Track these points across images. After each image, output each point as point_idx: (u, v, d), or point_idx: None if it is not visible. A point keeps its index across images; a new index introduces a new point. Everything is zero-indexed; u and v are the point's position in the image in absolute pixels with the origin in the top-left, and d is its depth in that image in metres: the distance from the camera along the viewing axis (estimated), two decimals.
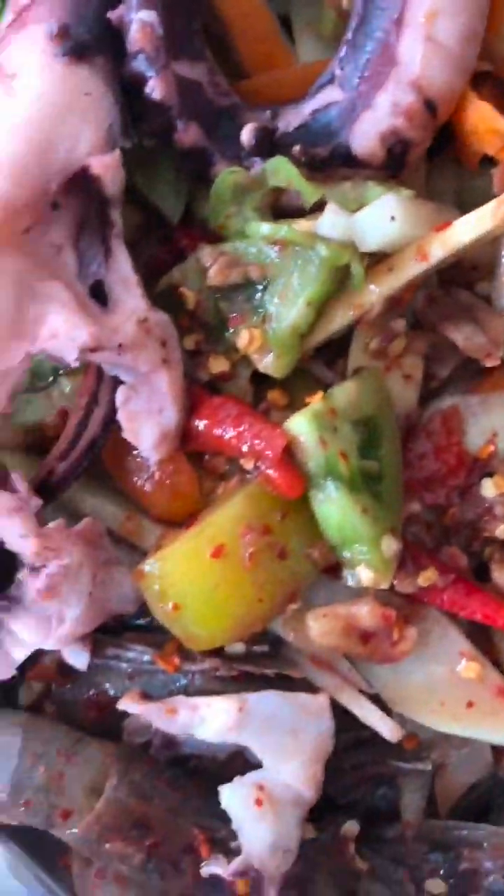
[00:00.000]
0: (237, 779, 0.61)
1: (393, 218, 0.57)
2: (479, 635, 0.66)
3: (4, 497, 0.58)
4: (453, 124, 0.63)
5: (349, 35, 0.59)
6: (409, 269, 0.59)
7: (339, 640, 0.62)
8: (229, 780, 0.62)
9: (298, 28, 0.68)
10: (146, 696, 0.63)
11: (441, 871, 0.66)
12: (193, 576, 0.59)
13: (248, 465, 0.61)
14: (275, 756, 0.59)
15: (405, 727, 0.66)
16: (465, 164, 0.66)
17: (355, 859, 0.66)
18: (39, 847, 0.71)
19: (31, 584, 0.60)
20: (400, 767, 0.66)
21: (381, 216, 0.58)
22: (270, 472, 0.58)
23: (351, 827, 0.67)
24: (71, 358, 0.58)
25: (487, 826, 0.67)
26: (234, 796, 0.60)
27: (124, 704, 0.62)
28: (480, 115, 0.59)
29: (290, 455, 0.58)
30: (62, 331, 0.57)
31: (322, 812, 0.67)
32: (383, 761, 0.66)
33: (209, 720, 0.59)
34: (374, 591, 0.62)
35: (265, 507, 0.59)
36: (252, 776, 0.61)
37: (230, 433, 0.60)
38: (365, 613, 0.61)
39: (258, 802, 0.60)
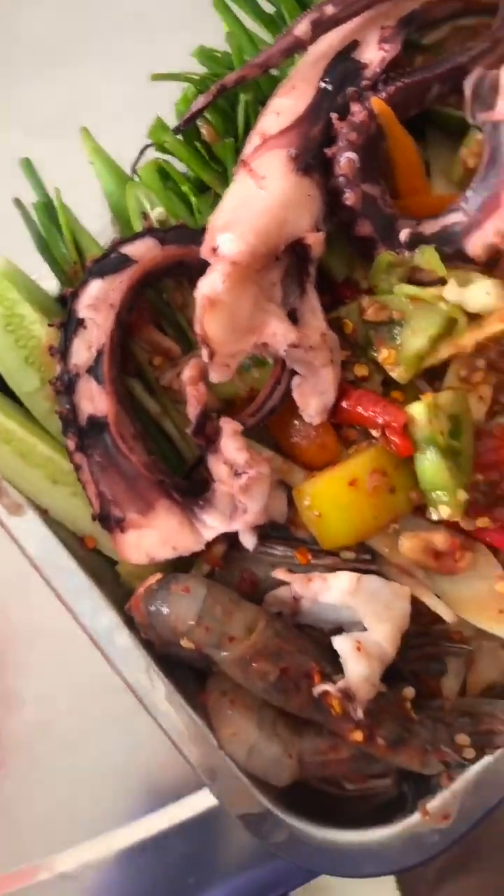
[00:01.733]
0: (345, 633, 0.93)
1: (488, 293, 0.92)
2: None
3: (231, 424, 0.92)
4: None
5: (473, 184, 0.93)
6: (494, 326, 0.93)
7: (420, 555, 0.91)
8: None
9: (434, 172, 1.03)
10: (291, 572, 0.95)
11: (467, 729, 0.94)
12: (334, 496, 0.90)
13: (375, 432, 0.94)
14: (374, 618, 0.89)
15: (455, 624, 0.96)
16: None
17: (410, 711, 0.96)
18: (184, 686, 1.02)
19: (233, 485, 0.92)
20: (448, 647, 0.94)
21: (480, 291, 0.92)
22: (394, 437, 0.92)
23: (408, 690, 0.95)
24: (281, 350, 0.92)
25: (501, 701, 0.96)
26: (343, 642, 0.89)
27: (279, 574, 0.92)
28: None
29: (407, 429, 0.93)
30: (279, 332, 0.91)
31: (391, 678, 0.96)
32: (437, 643, 0.95)
33: (333, 587, 0.90)
34: (447, 524, 0.93)
35: (386, 460, 0.91)
36: (354, 634, 0.91)
37: (368, 411, 0.93)
38: (439, 538, 0.92)
39: (358, 649, 0.91)
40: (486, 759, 0.95)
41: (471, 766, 0.95)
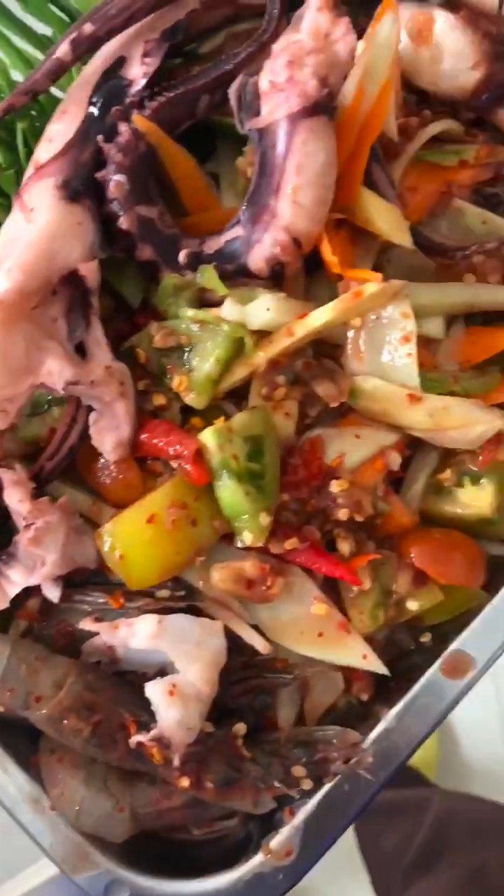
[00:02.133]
0: (158, 678, 0.88)
1: (268, 309, 0.87)
2: (329, 587, 0.92)
3: (10, 474, 0.88)
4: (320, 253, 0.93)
5: (248, 196, 0.89)
6: (282, 342, 0.90)
7: (232, 585, 0.87)
8: None
9: (224, 185, 0.98)
10: (99, 620, 0.90)
11: (302, 760, 0.90)
12: (133, 534, 0.86)
13: (174, 463, 0.90)
14: (185, 659, 0.85)
15: (277, 653, 0.93)
16: (331, 278, 0.94)
17: (241, 749, 0.92)
18: (16, 747, 0.98)
19: (23, 537, 0.88)
20: (272, 679, 0.91)
21: (261, 307, 0.88)
22: (187, 466, 0.88)
23: (239, 727, 0.91)
24: (59, 388, 0.87)
25: (336, 727, 0.91)
26: (154, 689, 0.85)
27: (85, 624, 0.88)
28: (326, 251, 0.90)
29: (200, 457, 0.88)
30: (55, 370, 0.87)
31: (219, 716, 0.92)
32: (261, 675, 0.91)
33: (139, 632, 0.86)
34: (254, 550, 0.89)
35: (184, 491, 0.87)
36: (168, 678, 0.87)
37: (163, 442, 0.90)
38: (248, 566, 0.88)
39: (171, 693, 0.87)
40: (326, 788, 0.91)
41: (311, 797, 0.91)
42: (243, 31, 1.01)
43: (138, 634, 0.87)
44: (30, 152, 1.01)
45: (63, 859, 0.92)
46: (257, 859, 0.91)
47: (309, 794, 0.91)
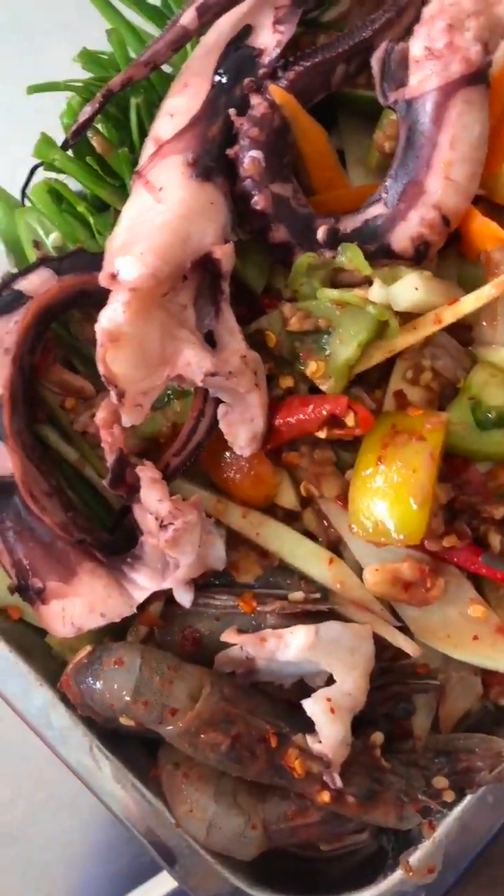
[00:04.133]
0: (314, 694, 0.81)
1: (416, 289, 0.81)
2: (485, 587, 0.86)
3: (149, 471, 0.82)
4: (460, 230, 0.87)
5: (391, 171, 0.84)
6: (428, 328, 0.84)
7: (387, 589, 0.82)
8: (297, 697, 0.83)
9: (350, 161, 0.93)
10: (241, 632, 0.84)
11: (444, 771, 0.85)
12: (370, 487, 0.80)
13: (321, 434, 0.83)
14: (342, 669, 0.80)
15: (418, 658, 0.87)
16: (468, 256, 0.89)
17: (380, 759, 0.87)
18: (134, 761, 0.93)
19: (159, 538, 0.83)
20: (415, 684, 0.86)
21: (408, 287, 0.82)
22: (350, 415, 0.80)
23: (377, 736, 0.86)
24: (198, 380, 0.82)
25: (479, 735, 0.87)
26: (315, 705, 0.80)
27: (226, 637, 0.82)
28: (482, 224, 0.85)
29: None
30: (194, 361, 0.81)
31: (356, 726, 0.88)
32: (403, 681, 0.86)
33: (292, 644, 0.80)
34: (413, 547, 0.82)
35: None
36: (323, 692, 0.81)
37: (305, 414, 0.83)
38: (406, 568, 0.82)
39: (332, 710, 0.80)
40: (468, 800, 0.86)
41: (452, 810, 0.86)
42: None
43: (291, 646, 0.81)
44: (142, 129, 0.96)
45: (187, 878, 0.88)
46: (397, 876, 0.87)
47: (450, 806, 0.86)
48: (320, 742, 0.79)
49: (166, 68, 0.98)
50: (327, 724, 0.79)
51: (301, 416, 0.84)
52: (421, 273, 0.84)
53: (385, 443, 0.81)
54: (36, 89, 0.96)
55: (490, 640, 0.85)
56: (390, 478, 0.80)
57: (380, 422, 0.83)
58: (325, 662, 0.80)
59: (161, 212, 0.83)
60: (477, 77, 0.80)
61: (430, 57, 0.80)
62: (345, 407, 0.81)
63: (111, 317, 0.80)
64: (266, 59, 0.88)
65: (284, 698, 0.87)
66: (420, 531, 0.79)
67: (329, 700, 0.79)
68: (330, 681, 0.83)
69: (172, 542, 0.81)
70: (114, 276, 0.81)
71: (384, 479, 0.80)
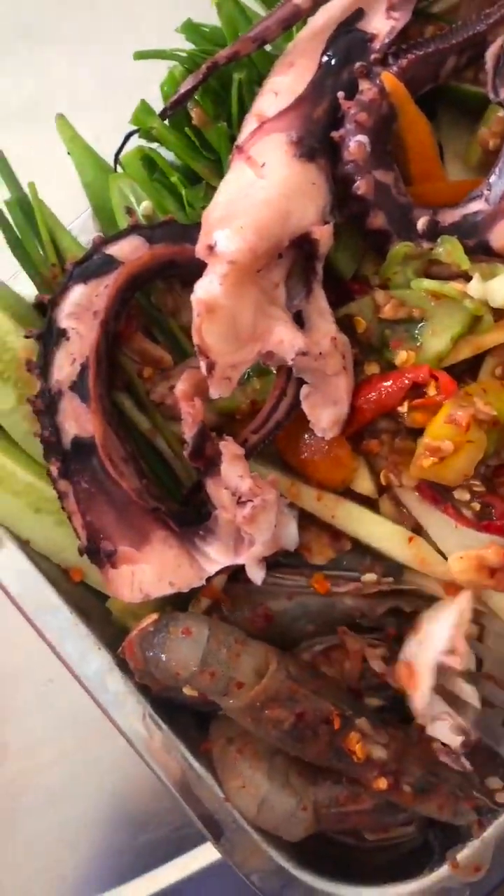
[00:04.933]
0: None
1: None
2: None
3: (231, 447, 0.82)
4: None
5: (497, 168, 0.84)
6: None
7: (473, 575, 0.82)
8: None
9: (448, 156, 0.93)
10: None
11: (500, 772, 0.86)
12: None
13: (403, 409, 0.83)
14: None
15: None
16: None
17: (438, 752, 0.87)
18: (185, 733, 0.93)
19: (237, 514, 0.83)
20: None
21: None
22: (431, 390, 0.81)
23: None
24: (289, 358, 0.82)
25: None
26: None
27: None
28: None
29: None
30: (286, 339, 0.81)
31: (406, 714, 0.87)
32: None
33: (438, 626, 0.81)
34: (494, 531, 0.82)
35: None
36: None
37: (386, 389, 0.83)
38: (491, 554, 0.81)
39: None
40: None
41: (502, 810, 0.86)
42: None
43: (443, 624, 0.81)
44: (243, 105, 0.96)
45: (233, 853, 0.88)
46: (443, 872, 0.86)
47: (502, 806, 0.86)
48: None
49: (268, 47, 0.97)
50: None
51: (383, 390, 0.84)
52: None
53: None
54: (142, 55, 0.96)
55: None
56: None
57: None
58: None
59: (263, 187, 0.83)
60: None
61: None
62: (427, 374, 0.82)
63: (208, 288, 0.80)
64: (378, 45, 0.87)
65: (345, 684, 0.87)
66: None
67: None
68: None
69: (250, 518, 0.81)
70: (211, 248, 0.81)
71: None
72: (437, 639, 0.82)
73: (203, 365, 0.80)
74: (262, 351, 0.82)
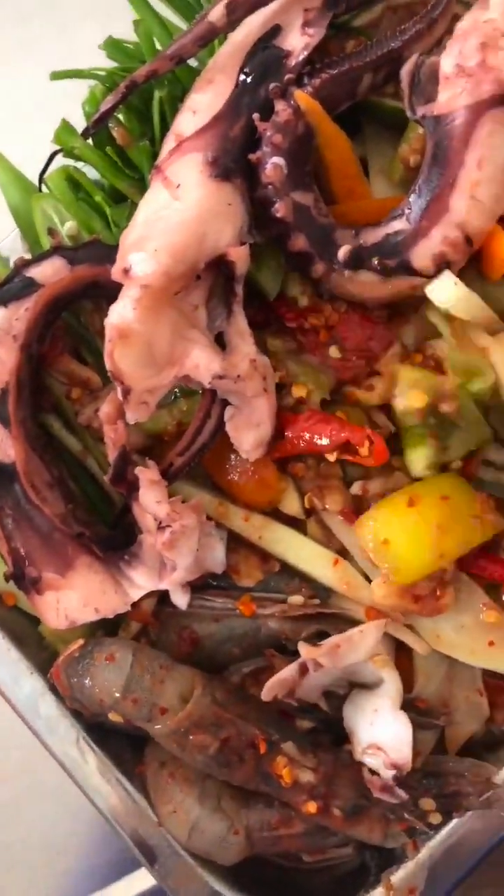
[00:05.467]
0: (371, 695, 0.82)
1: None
2: (495, 593, 0.86)
3: (148, 473, 0.82)
4: (482, 250, 0.85)
5: (415, 187, 0.82)
6: None
7: (397, 601, 0.82)
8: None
9: (373, 172, 0.91)
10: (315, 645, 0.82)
11: (432, 792, 0.84)
12: (397, 518, 0.80)
13: (331, 458, 0.83)
14: (391, 667, 0.82)
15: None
16: (489, 277, 0.87)
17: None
18: (119, 757, 0.93)
19: (156, 540, 0.82)
20: (415, 720, 0.83)
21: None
22: (364, 451, 0.82)
23: None
24: (205, 382, 0.81)
25: (469, 759, 0.86)
26: (399, 713, 0.81)
27: (304, 651, 0.80)
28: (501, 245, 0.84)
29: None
30: (202, 363, 0.81)
31: (340, 734, 0.86)
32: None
33: (361, 644, 0.80)
34: None
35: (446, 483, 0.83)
36: (385, 697, 0.82)
37: (319, 436, 0.83)
38: None
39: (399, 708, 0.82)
40: (454, 824, 0.86)
41: (437, 832, 0.86)
42: (403, 5, 0.94)
43: (361, 646, 0.81)
44: (164, 123, 0.95)
45: (167, 878, 0.87)
46: (377, 893, 0.86)
47: (436, 828, 0.86)
48: (380, 748, 0.80)
49: (192, 63, 0.97)
50: (406, 728, 0.80)
51: (317, 435, 0.85)
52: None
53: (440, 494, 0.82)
54: (60, 76, 0.95)
55: None
56: (422, 521, 0.81)
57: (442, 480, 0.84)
58: (383, 659, 0.81)
59: (178, 209, 0.82)
60: None
61: (461, 74, 0.79)
62: (363, 438, 0.82)
63: (121, 313, 0.79)
64: (293, 62, 0.87)
65: (275, 707, 0.86)
66: (407, 581, 0.80)
67: (392, 699, 0.80)
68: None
69: (169, 544, 0.81)
70: (126, 271, 0.80)
71: (418, 517, 0.81)
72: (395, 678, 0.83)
73: (118, 390, 0.80)
74: (179, 375, 0.81)
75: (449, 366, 0.83)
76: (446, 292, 0.82)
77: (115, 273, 0.81)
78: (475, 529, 0.82)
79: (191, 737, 0.81)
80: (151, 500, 0.80)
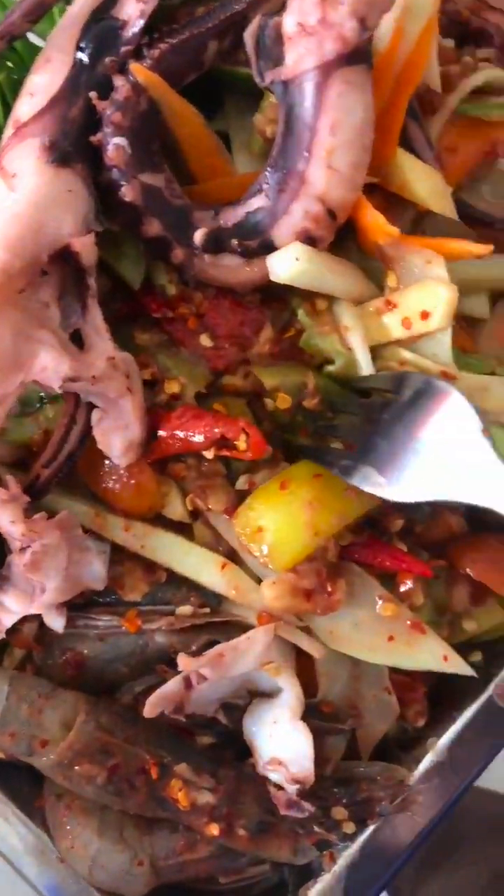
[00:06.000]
0: (267, 706, 0.78)
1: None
2: (391, 584, 0.81)
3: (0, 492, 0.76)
4: (356, 223, 0.81)
5: (271, 159, 0.77)
6: None
7: (289, 601, 0.77)
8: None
9: (235, 146, 0.86)
10: (194, 655, 0.76)
11: (343, 801, 0.79)
12: (271, 503, 0.76)
13: (209, 455, 0.78)
14: (289, 675, 0.78)
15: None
16: (365, 250, 0.83)
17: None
18: (17, 791, 0.87)
19: (18, 562, 0.76)
20: (321, 726, 0.79)
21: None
22: (241, 444, 0.76)
23: None
24: (56, 386, 0.75)
25: (380, 763, 0.82)
26: (297, 723, 0.76)
27: (182, 663, 0.75)
28: (372, 217, 0.78)
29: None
30: (50, 365, 0.74)
31: (243, 747, 0.81)
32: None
33: (249, 650, 0.75)
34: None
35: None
36: (285, 706, 0.77)
37: (194, 430, 0.78)
38: (301, 573, 0.76)
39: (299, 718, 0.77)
40: (369, 831, 0.81)
41: (353, 841, 0.81)
42: None
43: (249, 653, 0.75)
44: (8, 109, 0.88)
45: None
46: None
47: (351, 837, 0.81)
48: (281, 762, 0.75)
49: (37, 41, 0.90)
50: (306, 740, 0.74)
51: (191, 432, 0.79)
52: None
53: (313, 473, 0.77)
54: None
55: (405, 639, 0.79)
56: (294, 500, 0.76)
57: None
58: (283, 668, 0.76)
59: (14, 200, 0.76)
60: (356, 56, 0.73)
61: (303, 34, 0.73)
62: (238, 431, 0.76)
63: None
64: (129, 33, 0.80)
65: (170, 725, 0.81)
66: (286, 565, 0.75)
67: (291, 711, 0.75)
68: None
69: (31, 566, 0.74)
70: None
71: (289, 498, 0.77)
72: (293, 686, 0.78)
73: None
74: (26, 380, 0.75)
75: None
76: (285, 265, 0.76)
77: None
78: (350, 502, 0.77)
79: (76, 767, 0.76)
80: (5, 521, 0.74)
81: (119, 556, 0.83)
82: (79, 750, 0.76)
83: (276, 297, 0.85)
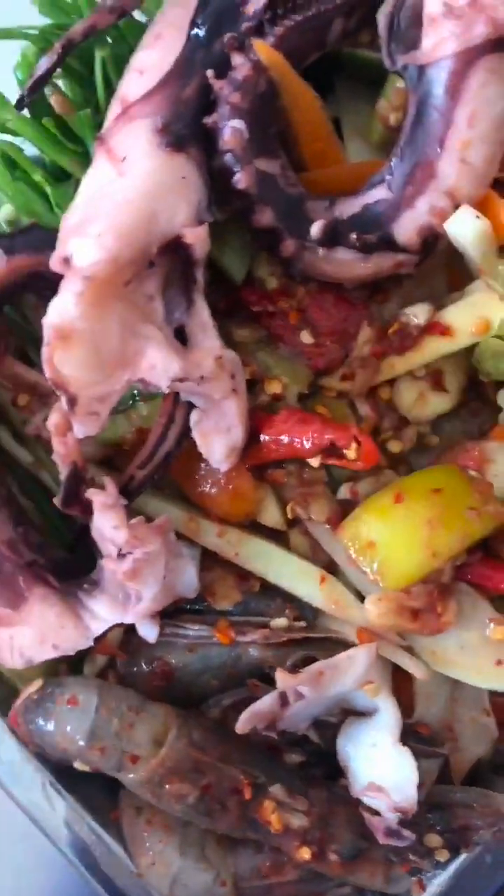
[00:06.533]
0: (364, 727, 0.75)
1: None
2: (500, 605, 0.77)
3: (101, 496, 0.71)
4: None
5: (397, 149, 0.73)
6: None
7: (394, 619, 0.73)
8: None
9: (348, 133, 0.82)
10: (294, 671, 0.73)
11: (437, 828, 0.76)
12: (384, 516, 0.72)
13: (314, 462, 0.75)
14: (388, 694, 0.75)
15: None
16: None
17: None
18: (93, 800, 0.85)
19: (117, 568, 0.72)
20: (417, 748, 0.75)
21: None
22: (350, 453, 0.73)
23: None
24: (164, 386, 0.71)
25: (477, 789, 0.79)
26: (401, 748, 0.74)
27: (281, 680, 0.71)
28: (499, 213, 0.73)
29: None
30: (158, 364, 0.70)
31: (331, 769, 0.79)
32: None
33: (349, 670, 0.72)
34: None
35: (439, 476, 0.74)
36: (386, 730, 0.74)
37: (300, 436, 0.74)
38: (412, 593, 0.73)
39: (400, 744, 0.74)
40: (462, 859, 0.78)
41: (445, 869, 0.78)
42: None
43: (349, 674, 0.72)
44: (109, 87, 0.83)
45: None
46: None
47: (443, 865, 0.78)
48: (381, 789, 0.71)
49: (140, 16, 0.85)
50: (401, 761, 0.72)
51: (297, 438, 0.75)
52: None
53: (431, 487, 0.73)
54: None
55: None
56: (411, 516, 0.72)
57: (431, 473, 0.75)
58: (376, 686, 0.73)
59: (124, 186, 0.71)
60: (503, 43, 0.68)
61: (448, 15, 0.68)
62: (350, 438, 0.72)
63: (61, 310, 0.68)
64: (251, 9, 0.75)
65: (260, 742, 0.78)
66: (397, 585, 0.71)
67: (391, 732, 0.72)
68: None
69: (132, 574, 0.71)
70: (67, 261, 0.69)
71: (406, 514, 0.72)
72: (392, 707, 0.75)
73: (63, 400, 0.69)
74: (133, 378, 0.71)
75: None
76: (468, 225, 0.71)
77: (55, 263, 0.70)
78: (472, 523, 0.72)
79: (167, 786, 0.73)
80: (107, 526, 0.70)
81: (210, 562, 0.80)
82: (171, 767, 0.73)
83: (382, 290, 0.81)
